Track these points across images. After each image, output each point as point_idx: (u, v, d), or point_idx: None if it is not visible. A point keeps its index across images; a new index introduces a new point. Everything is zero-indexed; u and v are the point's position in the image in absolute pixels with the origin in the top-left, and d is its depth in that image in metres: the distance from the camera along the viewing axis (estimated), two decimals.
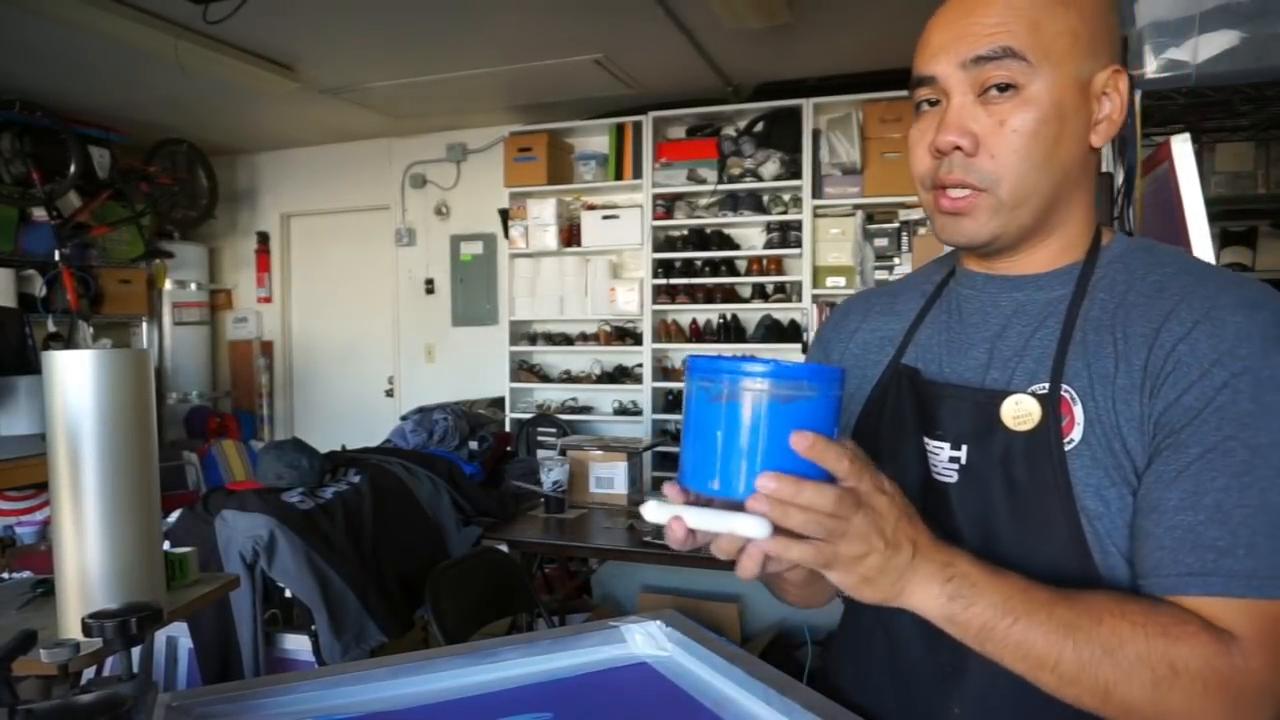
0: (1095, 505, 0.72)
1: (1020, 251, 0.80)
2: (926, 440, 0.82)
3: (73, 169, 4.42)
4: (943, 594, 0.66)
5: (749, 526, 0.63)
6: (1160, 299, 0.73)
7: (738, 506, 0.63)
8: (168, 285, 5.50)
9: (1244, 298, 0.70)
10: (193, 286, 5.62)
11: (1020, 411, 0.75)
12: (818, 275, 4.25)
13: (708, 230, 4.49)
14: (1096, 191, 0.81)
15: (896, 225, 4.12)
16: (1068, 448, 0.73)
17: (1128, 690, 0.64)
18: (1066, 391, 0.74)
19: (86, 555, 1.38)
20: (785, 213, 4.33)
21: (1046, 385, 0.75)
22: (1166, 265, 0.76)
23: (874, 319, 0.94)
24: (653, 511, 0.67)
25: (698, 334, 4.55)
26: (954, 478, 0.79)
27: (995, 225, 0.76)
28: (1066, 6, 0.72)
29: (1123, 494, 0.71)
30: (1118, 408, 0.71)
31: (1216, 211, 2.97)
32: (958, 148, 0.74)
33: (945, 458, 0.80)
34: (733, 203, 4.41)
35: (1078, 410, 0.73)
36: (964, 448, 0.78)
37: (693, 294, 4.49)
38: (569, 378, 4.85)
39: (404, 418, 3.42)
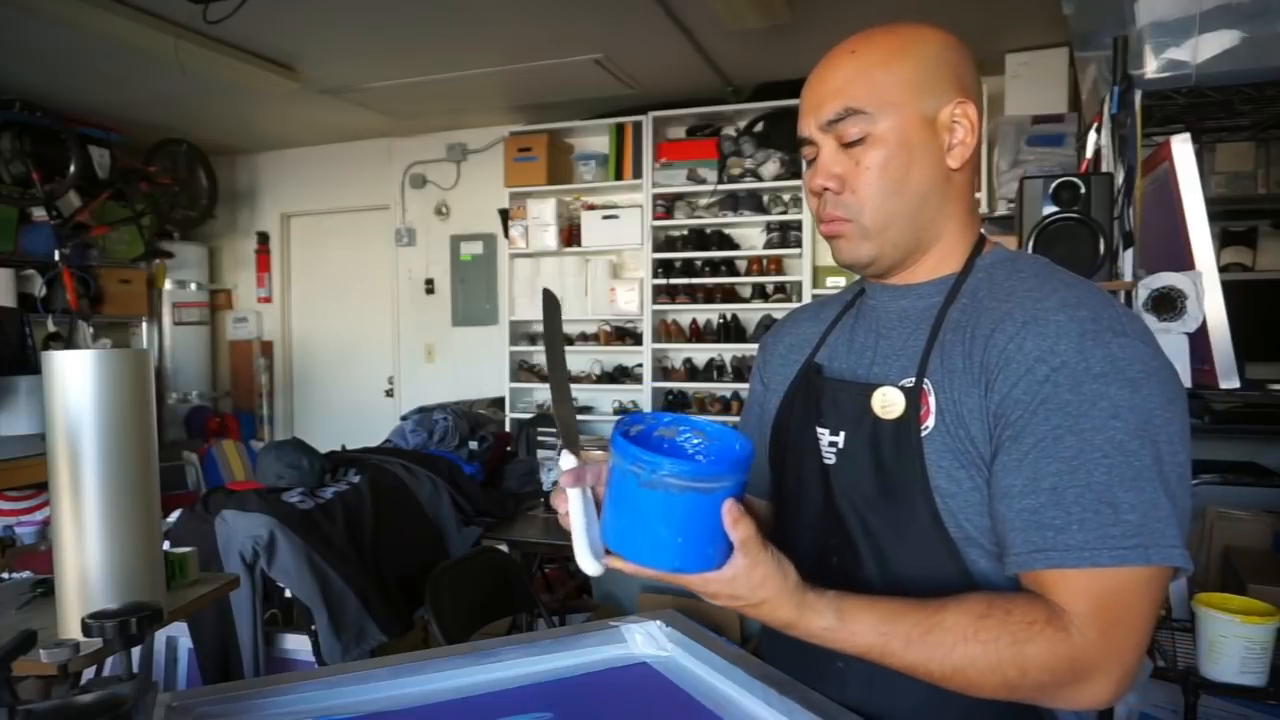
0: (947, 485, 0.82)
1: (907, 266, 0.92)
2: (817, 428, 0.94)
3: (73, 169, 4.42)
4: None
5: (589, 565, 0.78)
6: (1005, 302, 0.83)
7: None
8: (168, 285, 5.50)
9: (1067, 299, 0.80)
10: (193, 286, 5.63)
11: (886, 402, 0.86)
12: (818, 275, 4.25)
13: (708, 230, 4.49)
14: (974, 204, 0.93)
15: None
16: (924, 434, 0.84)
17: (979, 691, 0.76)
18: (926, 384, 0.85)
19: (86, 555, 1.38)
20: (785, 213, 4.33)
21: (913, 379, 0.86)
22: (1021, 271, 0.87)
23: (802, 325, 1.07)
24: (568, 460, 0.81)
25: (698, 334, 4.55)
26: (833, 460, 0.92)
27: (869, 248, 0.89)
28: (902, 58, 0.85)
29: (972, 475, 0.81)
30: (961, 399, 0.82)
31: (1216, 211, 2.97)
32: (827, 188, 0.88)
33: (827, 442, 0.92)
34: (733, 203, 4.41)
35: (932, 401, 0.84)
36: (841, 434, 0.91)
37: (693, 294, 4.49)
38: (569, 378, 4.84)
39: (404, 418, 3.42)
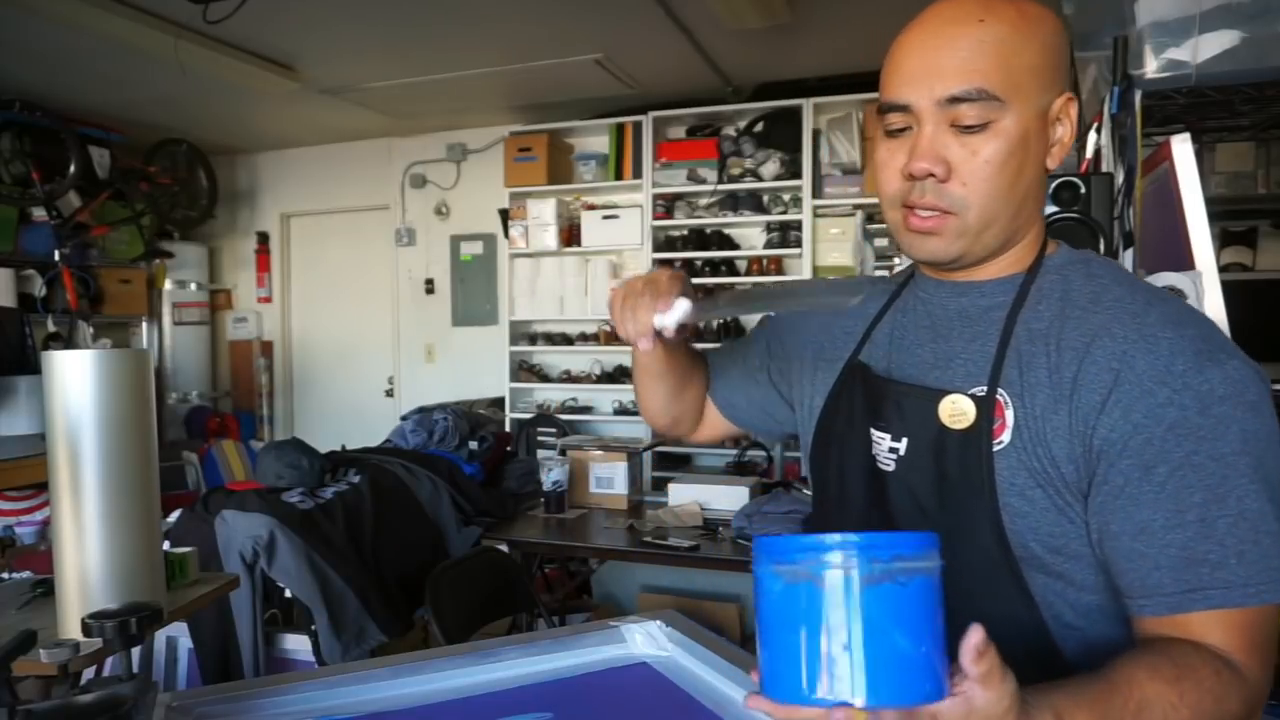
0: (1019, 503, 0.76)
1: (979, 265, 0.84)
2: (872, 430, 0.87)
3: (73, 169, 4.42)
4: None
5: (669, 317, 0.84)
6: (1094, 312, 0.77)
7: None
8: (167, 285, 5.50)
9: (1169, 314, 0.74)
10: (193, 286, 5.62)
11: (956, 411, 0.79)
12: (818, 275, 4.25)
13: (708, 230, 4.49)
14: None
15: None
16: (997, 448, 0.77)
17: None
18: (1001, 395, 0.78)
19: (86, 555, 1.38)
20: (785, 213, 4.33)
21: (984, 388, 0.79)
22: (1099, 276, 0.81)
23: (844, 319, 0.98)
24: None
25: (698, 334, 4.54)
26: (892, 467, 0.85)
27: (961, 245, 0.80)
28: (1028, 40, 0.75)
29: (1049, 495, 0.75)
30: (1044, 415, 0.75)
31: (1216, 211, 2.96)
32: (932, 174, 0.77)
33: (886, 448, 0.85)
34: (733, 203, 4.41)
35: (1009, 414, 0.77)
36: (904, 440, 0.84)
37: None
38: (569, 378, 4.85)
39: (404, 418, 3.41)
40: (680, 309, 0.84)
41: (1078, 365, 0.75)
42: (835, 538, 0.56)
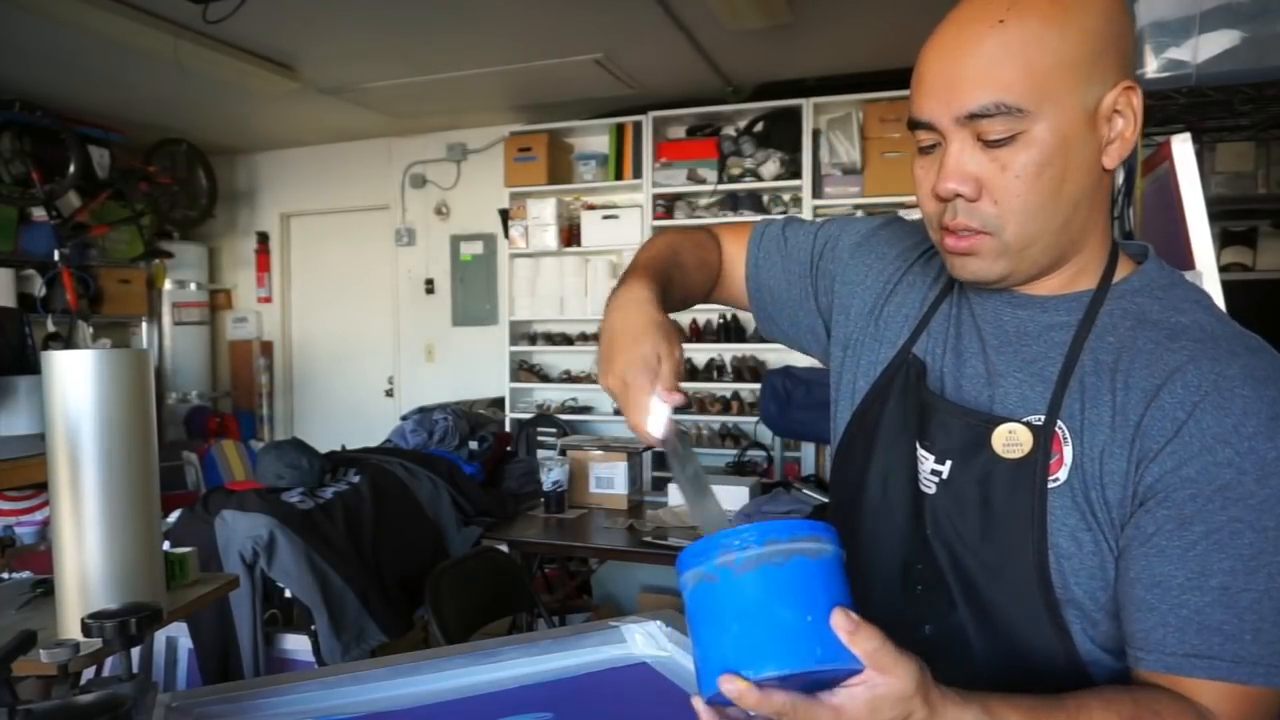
0: (1068, 545, 0.72)
1: (1035, 281, 0.79)
2: (919, 448, 0.81)
3: (72, 169, 4.42)
4: None
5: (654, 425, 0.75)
6: (1169, 351, 0.71)
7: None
8: (167, 285, 5.50)
9: (1254, 369, 0.68)
10: (192, 286, 5.62)
11: (1012, 441, 0.74)
12: None
13: None
14: (1110, 205, 0.81)
15: None
16: (1052, 485, 0.73)
17: None
18: (1060, 428, 0.73)
19: (86, 555, 1.38)
20: (785, 213, 4.33)
21: (1042, 417, 0.74)
22: (1180, 310, 0.74)
23: (905, 289, 0.91)
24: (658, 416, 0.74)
25: (697, 334, 4.55)
26: (932, 489, 0.80)
27: (1004, 265, 0.75)
28: (1064, 29, 0.68)
29: (1096, 539, 0.71)
30: (1104, 458, 0.71)
31: (1217, 211, 2.97)
32: (960, 194, 0.72)
33: (928, 469, 0.80)
34: (733, 203, 4.41)
35: (1067, 450, 0.73)
36: (948, 463, 0.78)
37: None
38: (569, 378, 4.85)
39: (404, 418, 3.42)
40: (662, 415, 0.75)
41: (1144, 409, 0.70)
42: (718, 535, 0.60)
